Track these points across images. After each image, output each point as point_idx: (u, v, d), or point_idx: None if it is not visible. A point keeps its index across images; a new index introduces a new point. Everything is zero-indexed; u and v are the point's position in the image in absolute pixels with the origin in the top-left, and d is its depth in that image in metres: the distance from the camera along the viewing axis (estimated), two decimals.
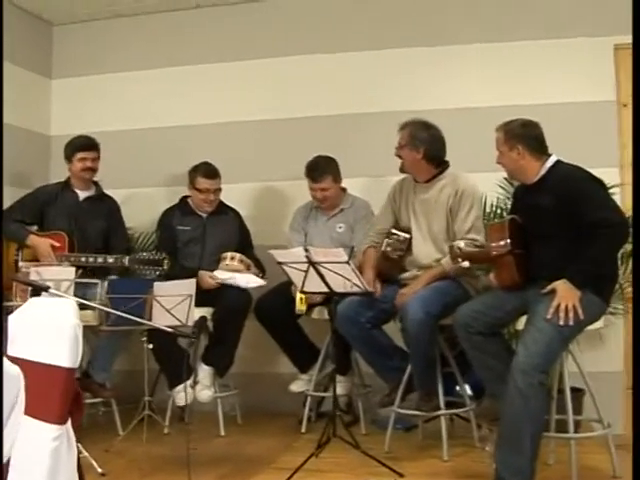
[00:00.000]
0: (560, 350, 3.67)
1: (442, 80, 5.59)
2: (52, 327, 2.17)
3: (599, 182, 3.71)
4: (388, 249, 4.57)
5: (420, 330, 4.14)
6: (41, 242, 4.97)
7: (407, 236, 4.56)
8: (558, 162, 3.81)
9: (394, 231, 4.62)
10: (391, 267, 4.60)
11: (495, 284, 3.94)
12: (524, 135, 3.82)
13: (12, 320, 2.27)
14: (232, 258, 5.11)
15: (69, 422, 2.24)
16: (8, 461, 1.88)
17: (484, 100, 5.40)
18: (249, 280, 5.05)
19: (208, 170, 5.30)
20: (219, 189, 5.34)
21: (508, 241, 3.77)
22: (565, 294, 3.54)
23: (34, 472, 2.09)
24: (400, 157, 4.59)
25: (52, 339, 2.17)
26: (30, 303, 2.35)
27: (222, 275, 5.05)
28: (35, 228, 5.14)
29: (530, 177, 3.85)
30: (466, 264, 3.84)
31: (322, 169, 5.15)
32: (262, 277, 5.18)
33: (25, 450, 2.11)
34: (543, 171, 3.80)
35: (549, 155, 3.84)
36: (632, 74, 3.96)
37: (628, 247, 4.03)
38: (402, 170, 4.67)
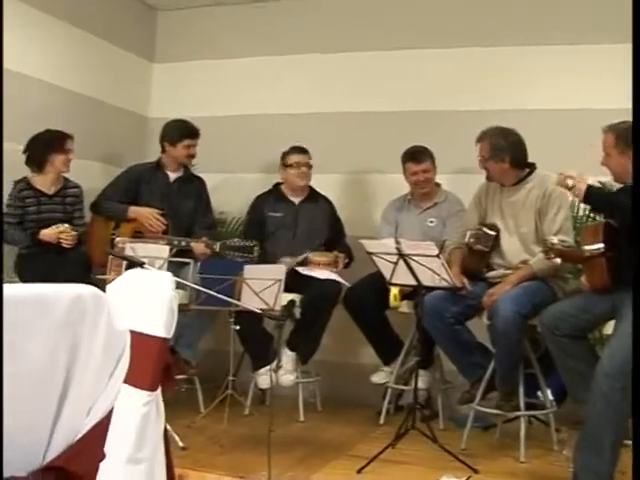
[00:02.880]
0: None
1: (535, 79, 5.57)
2: (150, 298, 2.25)
3: None
4: (471, 240, 4.54)
5: (509, 328, 4.14)
6: (142, 210, 5.18)
7: (492, 233, 4.54)
8: None
9: (479, 226, 4.62)
10: (475, 261, 4.58)
11: (586, 287, 3.89)
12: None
13: (111, 290, 2.36)
14: (318, 264, 5.18)
15: (159, 390, 2.32)
16: (109, 417, 1.93)
17: (581, 101, 5.34)
18: (327, 275, 5.11)
19: (297, 147, 5.46)
20: (310, 165, 5.45)
21: (602, 244, 3.73)
22: None
23: (124, 434, 2.17)
24: (486, 169, 4.58)
25: (149, 309, 2.25)
26: (128, 274, 2.44)
27: (303, 270, 5.15)
28: None
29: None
30: (558, 261, 3.79)
31: (423, 152, 5.23)
32: (347, 266, 5.29)
33: (116, 413, 2.19)
34: None
35: None
36: (632, 76, 3.86)
37: None
38: (489, 179, 4.64)
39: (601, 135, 3.84)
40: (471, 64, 5.73)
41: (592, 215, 4.94)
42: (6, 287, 1.67)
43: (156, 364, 2.26)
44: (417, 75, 5.86)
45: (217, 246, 4.89)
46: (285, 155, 5.48)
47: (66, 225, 4.76)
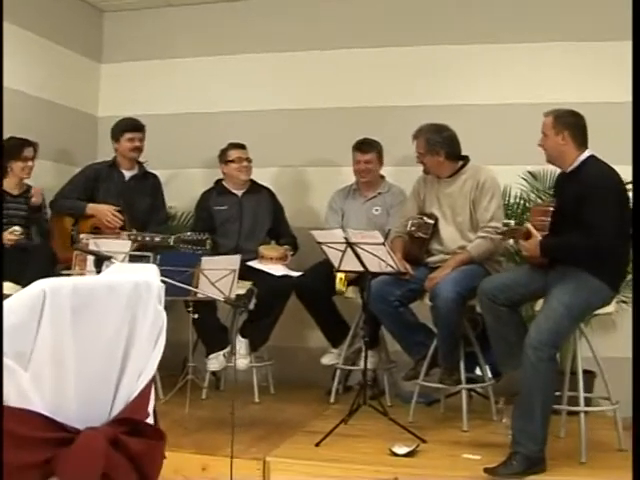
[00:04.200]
0: (569, 328, 3.95)
1: (471, 77, 5.91)
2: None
3: (616, 193, 3.90)
4: (412, 228, 4.87)
5: (450, 309, 4.46)
6: (100, 207, 5.38)
7: (431, 222, 4.86)
8: (591, 157, 4.02)
9: (419, 215, 4.94)
10: (416, 248, 4.89)
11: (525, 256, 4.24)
12: (572, 123, 4.02)
13: None
14: (271, 258, 5.44)
15: None
16: (151, 381, 2.24)
17: (511, 97, 5.71)
18: (282, 271, 5.38)
19: (234, 143, 5.73)
20: (250, 160, 5.72)
21: (547, 224, 4.07)
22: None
23: None
24: (423, 163, 4.90)
25: None
26: (116, 267, 2.70)
27: (257, 265, 5.41)
28: None
29: (566, 164, 4.07)
30: (510, 242, 4.10)
31: (370, 144, 5.53)
32: (293, 254, 5.58)
33: None
34: (577, 163, 4.01)
35: (586, 148, 4.05)
36: (632, 74, 4.24)
37: None
38: (426, 172, 4.96)
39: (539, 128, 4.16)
40: (414, 62, 6.01)
41: (525, 203, 5.32)
42: (88, 278, 2.02)
43: None
44: (356, 73, 6.14)
45: (172, 240, 5.12)
46: (224, 152, 5.74)
47: (16, 227, 4.87)
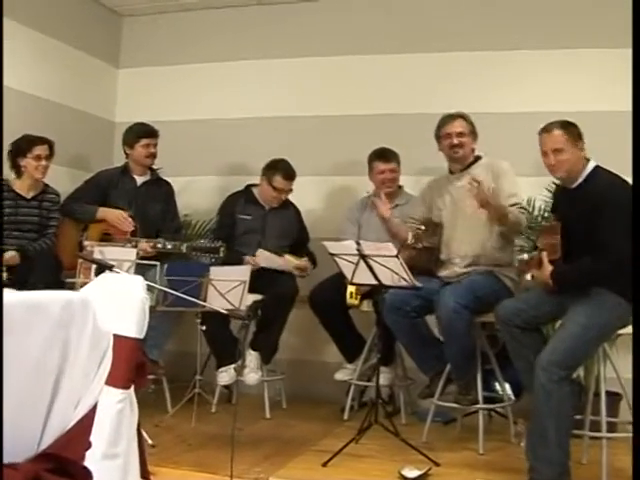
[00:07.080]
0: (584, 350, 3.74)
1: (493, 84, 5.74)
2: (123, 300, 2.36)
3: (628, 204, 3.63)
4: (412, 241, 4.73)
5: (451, 317, 4.31)
6: (110, 211, 5.23)
7: (422, 227, 4.73)
8: (597, 167, 3.83)
9: (415, 225, 4.80)
10: (418, 257, 4.74)
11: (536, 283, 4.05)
12: (580, 132, 3.85)
13: (84, 293, 2.47)
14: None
15: (132, 388, 2.44)
16: (94, 410, 2.07)
17: (536, 105, 5.47)
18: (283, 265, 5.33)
19: (288, 171, 5.48)
20: (291, 190, 5.55)
21: (558, 242, 3.86)
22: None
23: (100, 431, 2.28)
24: (461, 145, 4.71)
25: (122, 311, 2.36)
26: (102, 278, 2.55)
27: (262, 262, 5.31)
28: None
29: (576, 178, 3.88)
30: (528, 277, 3.94)
31: (391, 152, 5.39)
32: (313, 268, 5.47)
33: None
34: (582, 177, 3.84)
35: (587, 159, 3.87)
36: (632, 77, 4.02)
37: None
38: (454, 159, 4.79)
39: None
40: (436, 69, 5.87)
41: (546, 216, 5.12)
42: (6, 293, 1.84)
43: (129, 363, 2.38)
44: (381, 79, 6.00)
45: (184, 247, 4.99)
46: (273, 173, 5.47)
47: (12, 253, 4.72)
